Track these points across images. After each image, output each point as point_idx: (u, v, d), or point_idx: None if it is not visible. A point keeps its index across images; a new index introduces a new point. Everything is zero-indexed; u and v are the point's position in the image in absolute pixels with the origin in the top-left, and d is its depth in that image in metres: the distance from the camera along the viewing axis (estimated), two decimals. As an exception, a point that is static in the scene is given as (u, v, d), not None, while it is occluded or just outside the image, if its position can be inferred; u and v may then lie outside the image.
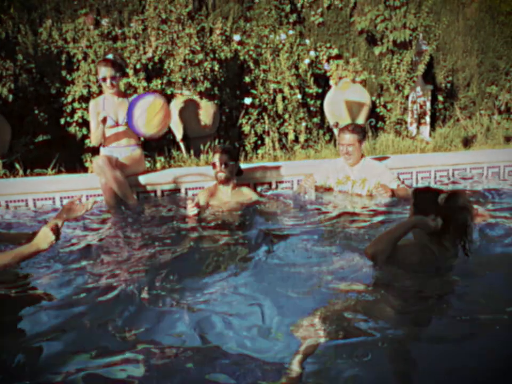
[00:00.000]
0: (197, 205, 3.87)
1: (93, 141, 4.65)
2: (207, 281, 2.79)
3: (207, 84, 5.86)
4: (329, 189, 4.54)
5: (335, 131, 6.81)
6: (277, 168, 5.06)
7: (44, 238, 2.57)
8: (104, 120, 4.42)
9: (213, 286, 2.71)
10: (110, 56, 4.61)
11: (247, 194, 4.28)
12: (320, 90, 6.79)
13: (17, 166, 5.12)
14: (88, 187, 4.59)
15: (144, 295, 2.59)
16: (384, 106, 7.25)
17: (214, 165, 4.10)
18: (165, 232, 3.75)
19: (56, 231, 2.61)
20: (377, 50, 7.19)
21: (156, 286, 2.70)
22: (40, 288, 2.71)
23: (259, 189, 4.85)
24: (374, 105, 7.09)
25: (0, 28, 5.34)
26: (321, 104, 6.89)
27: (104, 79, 4.53)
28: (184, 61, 5.73)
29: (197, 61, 5.73)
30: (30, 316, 2.43)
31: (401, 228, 2.56)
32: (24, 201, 4.47)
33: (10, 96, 5.25)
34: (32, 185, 4.61)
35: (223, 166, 4.06)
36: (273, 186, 4.96)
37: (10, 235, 3.29)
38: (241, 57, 6.47)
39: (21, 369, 1.99)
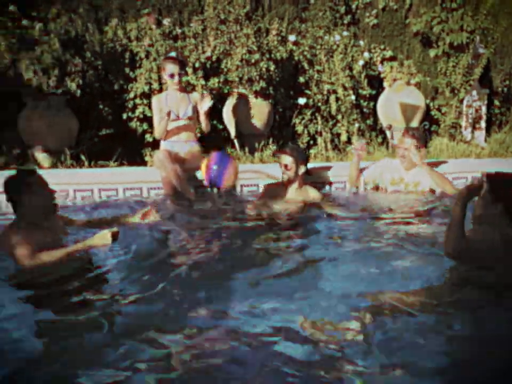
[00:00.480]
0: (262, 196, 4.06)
1: (156, 134, 4.73)
2: (261, 277, 2.78)
3: (262, 84, 5.86)
4: (379, 188, 4.51)
5: (388, 133, 6.69)
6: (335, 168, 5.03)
7: (101, 239, 2.66)
8: (168, 114, 4.50)
9: (267, 284, 2.69)
10: (174, 54, 4.68)
11: (311, 194, 4.23)
12: (373, 92, 6.68)
13: (83, 157, 5.29)
14: (148, 180, 4.68)
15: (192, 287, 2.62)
16: (439, 110, 7.05)
17: (280, 165, 4.10)
18: (220, 227, 3.79)
19: (115, 237, 2.68)
20: (432, 53, 7.01)
21: (205, 280, 2.73)
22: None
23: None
24: (428, 108, 6.91)
25: (71, 26, 5.52)
26: (375, 106, 6.78)
27: (172, 76, 4.61)
28: (241, 60, 5.76)
29: (253, 61, 5.74)
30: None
31: (455, 209, 2.35)
32: (90, 190, 4.60)
33: (78, 91, 5.42)
34: (97, 176, 4.75)
35: (285, 167, 4.06)
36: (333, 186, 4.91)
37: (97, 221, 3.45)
38: (296, 58, 6.44)
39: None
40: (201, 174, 4.71)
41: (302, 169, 4.12)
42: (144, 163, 5.71)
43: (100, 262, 2.95)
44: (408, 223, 3.74)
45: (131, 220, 3.28)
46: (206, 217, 4.08)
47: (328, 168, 5.02)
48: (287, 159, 4.04)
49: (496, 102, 7.73)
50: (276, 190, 4.21)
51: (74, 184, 4.58)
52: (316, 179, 4.82)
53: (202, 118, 4.75)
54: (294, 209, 4.09)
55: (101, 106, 5.85)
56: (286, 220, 3.95)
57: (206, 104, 4.67)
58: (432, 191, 4.33)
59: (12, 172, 2.83)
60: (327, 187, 4.88)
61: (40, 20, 5.32)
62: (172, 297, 2.54)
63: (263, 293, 2.55)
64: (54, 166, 5.36)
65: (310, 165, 4.32)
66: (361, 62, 6.54)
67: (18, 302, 2.51)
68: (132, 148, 5.92)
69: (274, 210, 4.05)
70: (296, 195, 4.17)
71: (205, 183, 4.41)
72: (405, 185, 4.37)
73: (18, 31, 5.24)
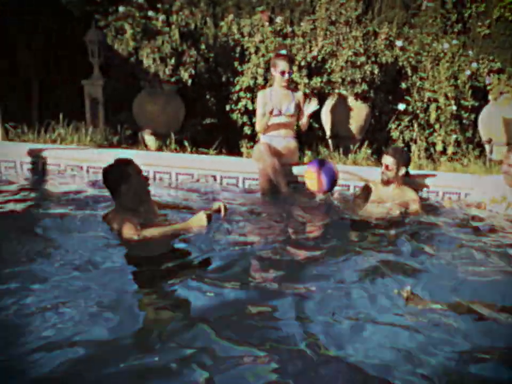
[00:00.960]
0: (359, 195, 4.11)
1: (258, 127, 4.81)
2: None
3: (364, 86, 5.74)
4: (480, 206, 4.17)
5: (487, 147, 6.31)
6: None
7: (199, 221, 2.73)
8: (271, 112, 4.56)
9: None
10: (285, 52, 4.72)
11: (409, 194, 4.11)
12: (476, 104, 6.32)
13: (186, 143, 5.50)
14: (243, 170, 4.79)
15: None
16: (545, 127, 6.53)
17: (382, 165, 4.10)
18: (311, 223, 3.80)
19: (210, 218, 2.75)
20: (545, 68, 6.51)
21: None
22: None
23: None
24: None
25: (191, 19, 5.73)
26: (476, 118, 6.41)
27: (283, 73, 4.65)
28: (346, 62, 5.67)
29: (358, 63, 5.64)
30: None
31: None
32: (191, 175, 4.79)
33: (190, 81, 5.63)
34: (198, 162, 4.92)
35: (385, 167, 4.03)
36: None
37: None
38: (400, 63, 6.24)
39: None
40: (296, 170, 4.76)
41: (402, 171, 4.07)
42: (240, 154, 5.83)
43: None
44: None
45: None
46: (295, 211, 4.11)
47: (432, 175, 4.85)
48: (388, 160, 4.02)
49: None
50: (375, 189, 4.17)
51: (176, 167, 4.81)
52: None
53: (305, 119, 4.78)
54: (389, 209, 4.01)
55: (207, 97, 6.04)
56: (379, 220, 3.89)
57: (312, 107, 4.70)
58: None
59: (110, 162, 2.93)
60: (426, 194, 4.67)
61: (164, 12, 5.58)
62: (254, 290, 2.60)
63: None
64: (159, 148, 5.64)
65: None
66: (468, 72, 6.20)
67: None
68: (231, 138, 6.08)
69: (370, 210, 4.02)
70: (393, 195, 4.09)
71: (318, 195, 4.33)
72: (507, 204, 4.03)
73: (143, 21, 5.53)
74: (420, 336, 2.11)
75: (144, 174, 2.99)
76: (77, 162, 4.79)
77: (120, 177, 2.85)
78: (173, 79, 5.58)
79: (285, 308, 2.35)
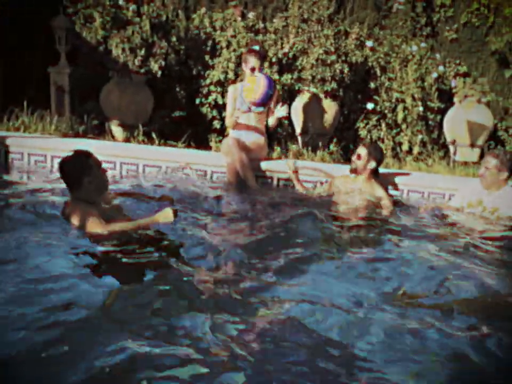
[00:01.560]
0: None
1: (227, 123, 4.84)
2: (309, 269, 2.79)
3: (334, 85, 5.83)
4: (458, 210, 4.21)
5: (451, 148, 6.51)
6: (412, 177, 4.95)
7: (165, 216, 2.73)
8: (236, 119, 4.65)
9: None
10: (257, 47, 4.75)
11: (377, 190, 4.23)
12: (442, 106, 6.50)
13: (154, 135, 5.47)
14: (213, 164, 4.80)
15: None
16: (506, 131, 6.79)
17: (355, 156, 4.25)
18: (279, 218, 3.83)
19: (176, 214, 2.76)
20: (508, 73, 6.74)
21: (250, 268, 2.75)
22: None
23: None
24: (495, 128, 6.67)
25: (162, 10, 5.69)
26: (441, 120, 6.60)
27: (253, 69, 4.67)
28: (317, 60, 5.75)
29: (329, 61, 5.72)
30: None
31: None
32: (158, 167, 4.77)
33: (159, 72, 5.59)
34: (166, 155, 4.90)
35: (359, 156, 4.18)
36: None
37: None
38: (370, 63, 6.36)
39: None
40: (264, 165, 4.80)
41: (371, 165, 4.18)
42: (209, 148, 5.84)
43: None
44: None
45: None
46: (262, 206, 4.15)
47: (404, 174, 4.98)
48: (362, 150, 4.19)
49: None
50: (344, 182, 4.31)
51: (144, 159, 4.77)
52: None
53: (273, 121, 4.89)
54: (359, 203, 4.13)
55: (177, 89, 6.01)
56: (345, 212, 4.02)
57: (281, 112, 4.77)
58: None
59: (68, 154, 2.87)
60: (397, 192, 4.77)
61: (135, 2, 5.53)
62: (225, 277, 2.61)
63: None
64: (127, 140, 5.59)
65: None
66: (434, 75, 6.37)
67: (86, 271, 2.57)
68: (200, 132, 6.07)
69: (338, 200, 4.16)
70: (362, 187, 4.22)
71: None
72: (482, 208, 4.01)
73: (113, 10, 5.46)
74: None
75: (104, 166, 2.97)
76: (40, 151, 4.70)
77: (82, 169, 2.80)
78: (142, 70, 5.54)
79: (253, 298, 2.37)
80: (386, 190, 4.38)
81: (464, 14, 6.85)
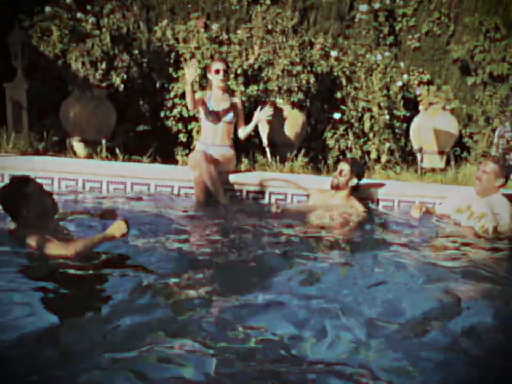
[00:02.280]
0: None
1: (189, 106, 4.73)
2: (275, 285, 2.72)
3: (300, 95, 5.89)
4: (446, 216, 4.18)
5: (418, 156, 6.65)
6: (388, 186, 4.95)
7: (119, 229, 2.62)
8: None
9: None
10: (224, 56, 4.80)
11: (356, 206, 4.22)
12: (408, 114, 6.65)
13: (117, 150, 5.37)
14: (180, 178, 4.74)
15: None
16: (470, 137, 7.00)
17: (336, 172, 4.25)
18: (251, 232, 3.79)
19: (128, 224, 2.66)
20: (470, 81, 6.98)
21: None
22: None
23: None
24: (460, 135, 6.86)
25: (123, 23, 5.64)
26: (407, 128, 6.75)
27: (217, 71, 4.69)
28: (283, 71, 5.79)
29: (294, 72, 5.78)
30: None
31: None
32: (123, 184, 4.68)
33: (122, 86, 5.52)
34: (131, 170, 4.81)
35: (339, 172, 4.19)
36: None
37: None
38: (335, 73, 6.46)
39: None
40: (233, 178, 4.78)
41: (353, 182, 4.22)
42: (175, 162, 5.78)
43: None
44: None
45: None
46: (233, 221, 4.10)
47: (380, 185, 4.99)
48: (345, 166, 4.20)
49: (529, 136, 7.66)
50: (322, 198, 4.29)
51: (108, 176, 4.68)
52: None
53: (251, 126, 4.92)
54: (338, 218, 4.07)
55: (140, 103, 5.95)
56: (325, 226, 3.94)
57: (265, 114, 4.86)
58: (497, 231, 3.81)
59: (5, 183, 2.79)
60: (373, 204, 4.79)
61: (94, 14, 5.45)
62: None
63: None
64: (89, 156, 5.47)
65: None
66: (399, 83, 6.52)
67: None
68: (165, 146, 6.01)
69: (317, 215, 4.08)
70: (341, 202, 4.21)
71: None
72: (470, 213, 3.97)
73: (72, 23, 5.37)
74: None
75: (47, 189, 2.85)
76: (-3, 170, 4.54)
77: (18, 199, 2.68)
78: (103, 84, 5.46)
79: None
80: (364, 206, 4.35)
81: (425, 23, 7.07)
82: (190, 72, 4.50)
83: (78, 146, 5.58)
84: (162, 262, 2.93)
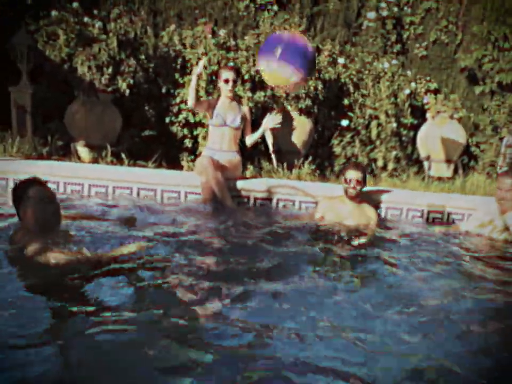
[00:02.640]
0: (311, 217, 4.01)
1: (188, 102, 4.71)
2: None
3: (308, 102, 5.89)
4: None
5: (425, 164, 6.64)
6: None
7: (139, 247, 2.68)
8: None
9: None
10: (232, 64, 4.78)
11: (369, 215, 4.18)
12: (415, 122, 6.65)
13: (123, 155, 5.35)
14: (186, 184, 4.71)
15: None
16: (477, 146, 6.99)
17: (346, 180, 4.09)
18: (260, 239, 3.75)
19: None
20: (478, 90, 6.98)
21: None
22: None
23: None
24: (467, 144, 6.85)
25: (130, 27, 5.64)
26: (414, 136, 6.74)
27: (227, 81, 4.69)
28: (290, 77, 5.78)
29: (302, 79, 5.77)
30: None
31: None
32: (129, 189, 4.65)
33: (128, 91, 5.52)
34: (137, 176, 4.79)
35: (356, 182, 4.06)
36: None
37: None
38: (343, 80, 6.46)
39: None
40: (240, 185, 4.75)
41: (364, 187, 4.19)
42: (180, 167, 5.76)
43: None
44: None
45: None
46: (239, 227, 4.06)
47: (386, 191, 4.99)
48: (359, 175, 4.07)
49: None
50: (333, 205, 4.21)
51: (113, 181, 4.66)
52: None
53: (259, 133, 4.90)
54: (347, 227, 4.04)
55: (146, 108, 5.94)
56: (337, 238, 3.87)
57: (273, 121, 4.81)
58: None
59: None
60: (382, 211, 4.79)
61: (101, 19, 5.46)
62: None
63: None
64: (94, 161, 5.45)
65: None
66: (407, 91, 6.52)
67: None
68: (170, 151, 6.00)
69: (328, 226, 4.04)
70: (355, 211, 4.16)
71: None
72: (493, 227, 3.97)
73: (78, 27, 5.38)
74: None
75: (56, 200, 2.79)
76: (1, 174, 4.51)
77: (18, 198, 2.69)
78: (109, 89, 5.45)
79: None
80: (376, 212, 4.33)
81: (433, 32, 7.09)
82: (200, 65, 4.57)
83: (83, 151, 5.57)
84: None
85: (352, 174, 4.07)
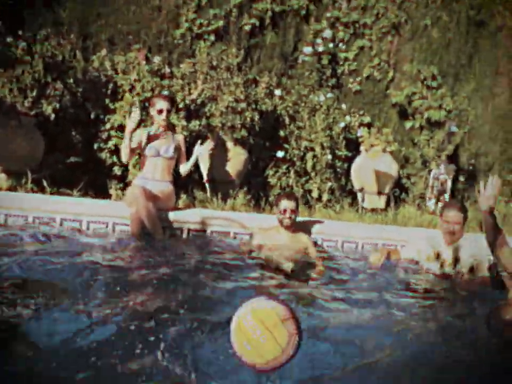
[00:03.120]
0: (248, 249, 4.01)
1: (122, 156, 4.61)
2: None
3: (244, 132, 5.87)
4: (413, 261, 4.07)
5: (359, 195, 6.77)
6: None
7: None
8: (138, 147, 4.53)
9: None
10: (166, 92, 4.68)
11: (304, 242, 4.22)
12: (349, 154, 6.80)
13: (44, 183, 5.04)
14: (114, 214, 4.48)
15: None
16: (408, 178, 7.25)
17: (281, 211, 4.12)
18: (189, 270, 3.61)
19: None
20: (408, 124, 7.28)
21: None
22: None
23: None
24: (398, 176, 7.09)
25: (58, 50, 5.41)
26: (348, 167, 6.88)
27: (160, 111, 4.59)
28: (227, 107, 5.76)
29: (239, 109, 5.76)
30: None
31: None
32: (52, 219, 4.36)
33: (53, 115, 5.25)
34: (60, 205, 4.50)
35: (291, 212, 4.10)
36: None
37: None
38: (279, 111, 6.53)
39: None
40: (173, 216, 4.58)
41: (298, 216, 4.23)
42: (108, 196, 5.51)
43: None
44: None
45: None
46: (169, 260, 3.89)
47: (320, 222, 5.04)
48: (292, 204, 4.13)
49: (461, 178, 8.05)
50: (268, 236, 4.20)
51: (34, 210, 4.35)
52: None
53: (192, 161, 4.84)
54: (284, 255, 4.00)
55: (72, 133, 5.67)
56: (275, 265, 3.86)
57: (206, 149, 4.91)
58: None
59: None
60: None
61: (25, 40, 5.20)
62: None
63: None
64: (12, 188, 5.09)
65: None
66: (342, 124, 6.68)
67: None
68: (98, 179, 5.72)
69: (270, 255, 3.98)
70: (291, 240, 4.17)
71: None
72: (441, 261, 3.91)
73: (0, 47, 5.09)
74: None
75: None
76: None
77: None
78: (32, 112, 5.16)
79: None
80: (310, 239, 4.38)
81: (366, 68, 7.37)
82: (132, 119, 4.40)
83: (0, 177, 5.20)
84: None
85: (287, 204, 4.13)
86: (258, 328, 1.71)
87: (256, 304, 1.80)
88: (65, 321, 2.51)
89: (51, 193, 4.96)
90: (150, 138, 4.64)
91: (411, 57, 7.44)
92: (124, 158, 4.57)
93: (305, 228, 4.66)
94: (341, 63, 7.41)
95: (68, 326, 2.45)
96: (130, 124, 4.42)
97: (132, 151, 4.59)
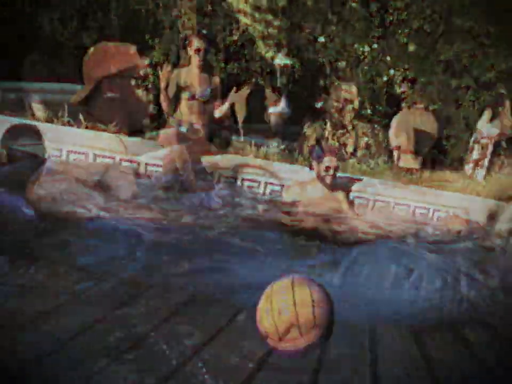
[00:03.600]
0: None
1: (163, 107, 4.62)
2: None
3: (283, 79, 5.74)
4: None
5: (395, 153, 6.63)
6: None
7: None
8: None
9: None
10: (205, 31, 4.57)
11: (340, 201, 4.04)
12: (390, 110, 6.60)
13: (81, 116, 5.06)
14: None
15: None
16: (448, 140, 7.04)
17: (325, 168, 3.91)
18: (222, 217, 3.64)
19: None
20: (454, 82, 6.98)
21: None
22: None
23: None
24: (439, 137, 6.88)
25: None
26: (387, 124, 6.70)
27: (197, 51, 4.51)
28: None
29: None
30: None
31: None
32: (85, 154, 4.40)
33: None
34: (95, 140, 4.53)
35: (337, 168, 3.92)
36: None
37: None
38: (321, 60, 6.32)
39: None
40: (204, 159, 4.58)
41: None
42: (142, 133, 5.52)
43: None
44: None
45: None
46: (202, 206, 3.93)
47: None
48: (336, 161, 3.92)
49: (504, 144, 7.77)
50: (304, 190, 4.09)
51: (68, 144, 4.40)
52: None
53: (225, 107, 4.76)
54: (317, 213, 3.93)
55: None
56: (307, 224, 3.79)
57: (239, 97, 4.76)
58: None
59: None
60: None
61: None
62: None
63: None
64: (49, 120, 5.14)
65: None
66: (385, 78, 6.46)
67: None
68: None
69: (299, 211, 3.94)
70: (327, 197, 4.03)
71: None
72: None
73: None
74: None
75: None
76: None
77: None
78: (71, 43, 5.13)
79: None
80: (348, 197, 4.22)
81: (417, 19, 6.99)
82: (164, 77, 4.42)
83: (37, 107, 5.25)
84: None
85: (333, 161, 3.91)
86: (286, 301, 1.70)
87: (296, 279, 1.79)
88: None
89: (86, 127, 4.99)
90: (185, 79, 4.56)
91: (465, 11, 7.01)
92: (166, 110, 4.62)
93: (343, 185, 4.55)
94: (390, 11, 7.04)
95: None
96: (163, 81, 4.43)
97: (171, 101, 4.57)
